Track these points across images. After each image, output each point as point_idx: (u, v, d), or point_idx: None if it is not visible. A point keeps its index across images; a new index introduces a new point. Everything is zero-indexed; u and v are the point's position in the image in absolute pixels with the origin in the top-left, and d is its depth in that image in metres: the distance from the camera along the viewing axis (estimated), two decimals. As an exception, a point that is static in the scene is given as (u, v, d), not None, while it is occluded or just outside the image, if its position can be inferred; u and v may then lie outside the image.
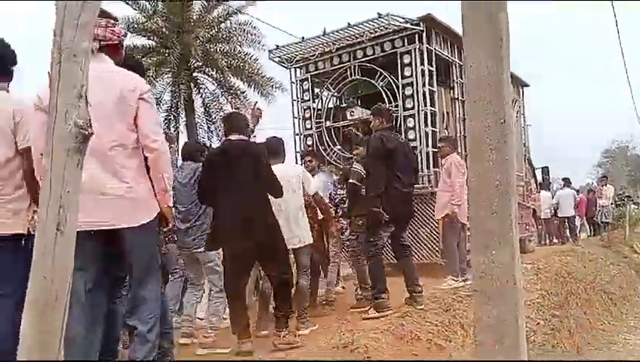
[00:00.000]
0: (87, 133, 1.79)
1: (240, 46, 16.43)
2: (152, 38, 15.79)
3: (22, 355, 1.31)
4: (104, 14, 2.63)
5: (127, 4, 15.41)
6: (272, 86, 16.11)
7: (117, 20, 2.79)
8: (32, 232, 2.49)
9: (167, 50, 15.42)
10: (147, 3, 15.73)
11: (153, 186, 2.65)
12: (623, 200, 15.85)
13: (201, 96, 17.14)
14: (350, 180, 5.16)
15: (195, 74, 16.75)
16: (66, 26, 1.50)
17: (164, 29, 15.73)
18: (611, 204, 14.34)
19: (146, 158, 2.63)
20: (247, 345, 3.77)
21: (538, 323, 5.58)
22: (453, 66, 7.82)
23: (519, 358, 2.38)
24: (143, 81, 2.72)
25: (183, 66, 15.63)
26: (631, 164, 43.59)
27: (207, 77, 17.01)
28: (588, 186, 16.77)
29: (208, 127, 17.02)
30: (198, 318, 4.70)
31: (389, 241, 4.99)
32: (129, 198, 2.53)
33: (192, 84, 16.44)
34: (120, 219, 2.50)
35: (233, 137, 3.99)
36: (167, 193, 2.70)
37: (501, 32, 2.56)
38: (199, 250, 4.29)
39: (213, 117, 17.06)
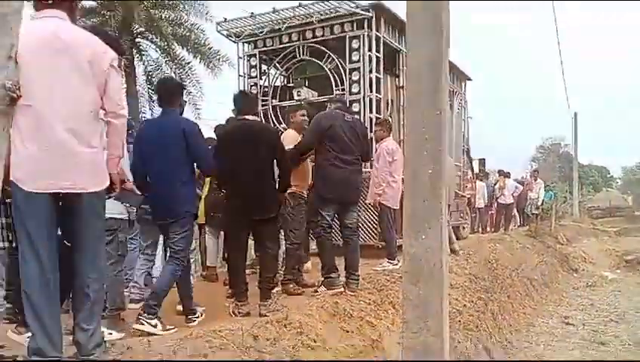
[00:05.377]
0: (15, 95, 1.70)
1: (186, 15, 15.88)
2: (92, -2, 14.97)
3: None
4: None
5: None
6: (219, 59, 15.71)
7: None
8: None
9: (109, 13, 14.66)
10: (89, -38, 14.86)
11: None
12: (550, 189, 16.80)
13: (143, 64, 16.46)
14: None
15: (137, 40, 16.05)
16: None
17: (105, -10, 14.94)
18: (538, 197, 15.10)
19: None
20: (244, 307, 4.23)
21: (465, 305, 5.85)
22: (400, 55, 7.93)
23: (441, 336, 2.52)
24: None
25: (125, 30, 14.92)
26: (562, 160, 46.09)
27: (150, 43, 16.33)
28: (522, 179, 17.56)
29: (150, 96, 16.37)
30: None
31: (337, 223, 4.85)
32: (95, 163, 2.57)
33: (133, 50, 15.73)
34: (87, 183, 2.52)
35: (249, 117, 4.43)
36: (121, 159, 2.82)
37: (442, 28, 2.64)
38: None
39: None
